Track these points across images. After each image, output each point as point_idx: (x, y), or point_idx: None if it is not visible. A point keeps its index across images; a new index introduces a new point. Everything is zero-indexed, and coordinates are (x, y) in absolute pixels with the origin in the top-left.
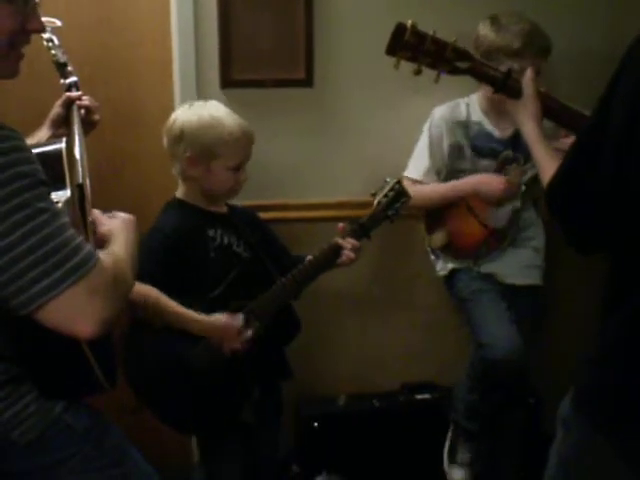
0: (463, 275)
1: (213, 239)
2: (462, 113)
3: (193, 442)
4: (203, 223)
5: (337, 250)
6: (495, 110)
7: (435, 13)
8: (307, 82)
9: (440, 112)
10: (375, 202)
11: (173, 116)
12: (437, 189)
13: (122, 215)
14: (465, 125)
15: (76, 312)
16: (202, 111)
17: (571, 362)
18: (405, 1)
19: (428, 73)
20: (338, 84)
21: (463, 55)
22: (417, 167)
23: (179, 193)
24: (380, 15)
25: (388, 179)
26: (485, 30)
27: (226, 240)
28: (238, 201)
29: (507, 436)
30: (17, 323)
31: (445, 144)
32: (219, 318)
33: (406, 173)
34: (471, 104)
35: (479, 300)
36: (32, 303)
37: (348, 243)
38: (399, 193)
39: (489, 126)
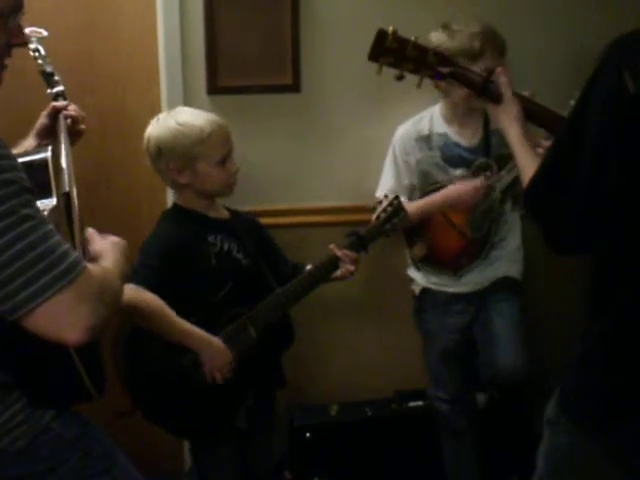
0: (430, 307)
1: (214, 245)
2: (425, 127)
3: (185, 448)
4: (203, 229)
5: (335, 262)
6: (458, 119)
7: (424, 18)
8: (294, 87)
9: (403, 129)
10: (374, 216)
11: (146, 135)
12: (412, 206)
13: (113, 238)
14: (429, 138)
15: (63, 319)
16: (169, 121)
17: (558, 364)
18: (392, 6)
19: (414, 78)
20: (325, 89)
21: (444, 60)
22: (382, 187)
23: (177, 200)
24: (367, 20)
25: (387, 195)
26: (439, 38)
27: (226, 246)
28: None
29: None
30: (5, 331)
31: (413, 161)
32: (217, 340)
33: (376, 194)
34: (434, 116)
35: (433, 343)
36: (19, 309)
37: (345, 255)
38: (397, 209)
39: (455, 135)
